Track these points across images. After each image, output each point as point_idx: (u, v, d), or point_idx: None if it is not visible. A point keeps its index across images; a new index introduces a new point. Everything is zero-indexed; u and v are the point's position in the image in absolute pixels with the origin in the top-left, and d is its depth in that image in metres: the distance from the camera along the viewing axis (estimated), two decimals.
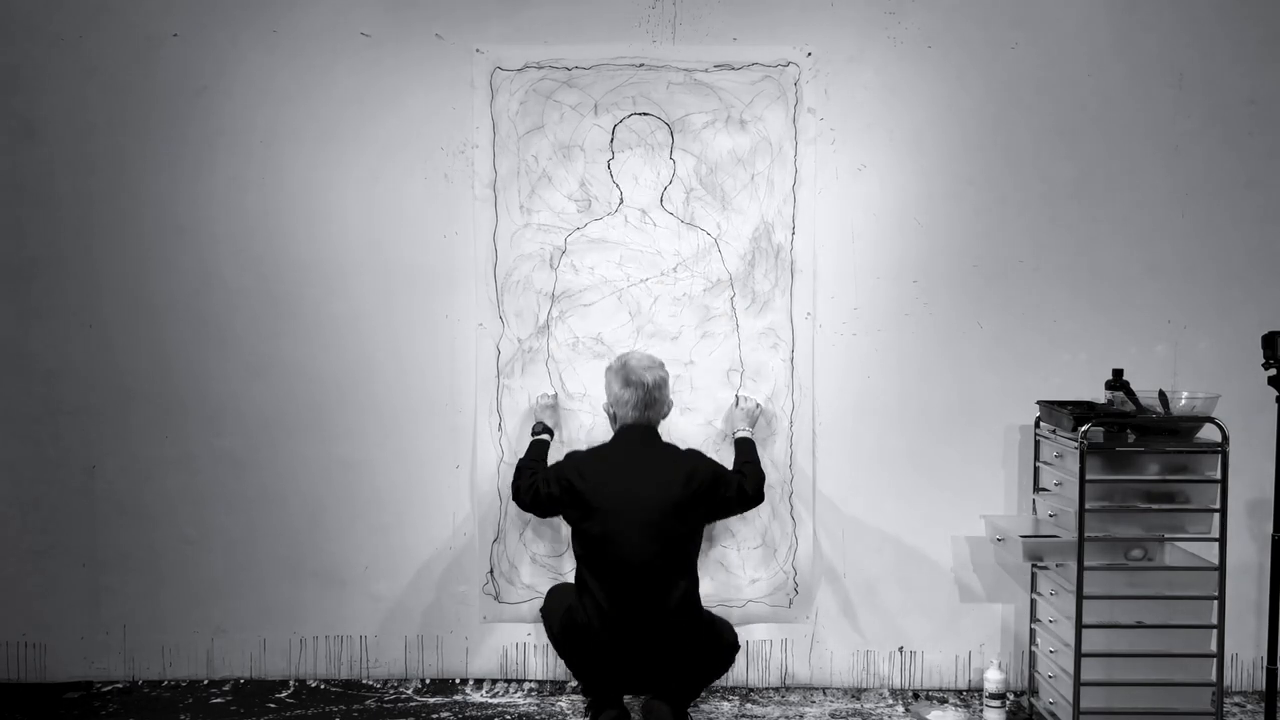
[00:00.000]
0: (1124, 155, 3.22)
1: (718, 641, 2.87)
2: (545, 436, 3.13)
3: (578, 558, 2.87)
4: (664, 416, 2.99)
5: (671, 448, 2.95)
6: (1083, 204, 3.23)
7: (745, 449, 3.08)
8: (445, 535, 3.37)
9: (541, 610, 3.07)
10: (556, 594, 3.03)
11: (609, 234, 3.26)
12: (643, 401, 2.88)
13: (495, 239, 3.27)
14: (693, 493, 2.81)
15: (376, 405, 3.34)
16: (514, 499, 3.01)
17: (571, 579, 3.16)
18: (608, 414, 3.00)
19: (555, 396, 3.26)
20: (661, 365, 2.97)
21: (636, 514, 2.75)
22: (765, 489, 3.02)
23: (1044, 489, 3.13)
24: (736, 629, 3.29)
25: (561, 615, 2.85)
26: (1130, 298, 3.25)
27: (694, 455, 2.95)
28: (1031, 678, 3.22)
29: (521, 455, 3.11)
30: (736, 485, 2.91)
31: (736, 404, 3.23)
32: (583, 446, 3.28)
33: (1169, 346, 3.26)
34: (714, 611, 3.07)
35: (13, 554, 3.39)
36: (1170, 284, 3.25)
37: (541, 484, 2.88)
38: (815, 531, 3.32)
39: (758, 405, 3.23)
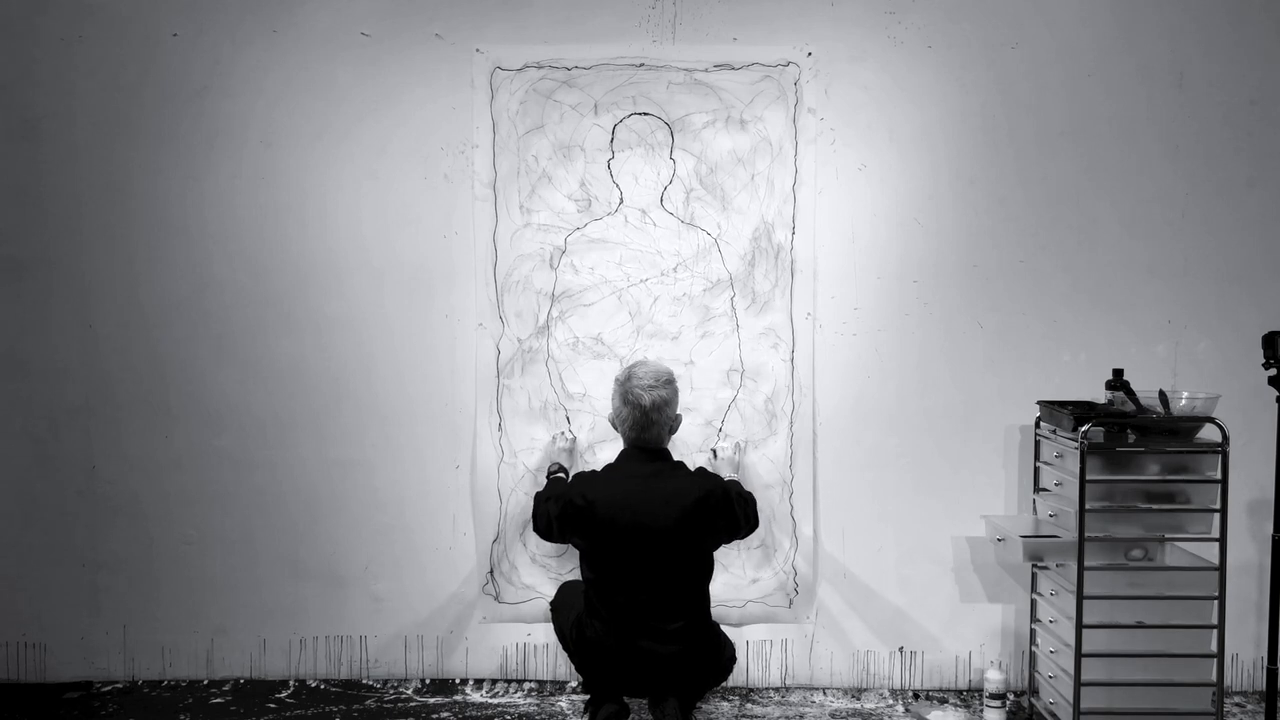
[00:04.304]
0: (1124, 155, 3.22)
1: (719, 655, 2.84)
2: (561, 475, 3.09)
3: (586, 581, 2.79)
4: (671, 434, 2.85)
5: (680, 469, 2.81)
6: (1083, 204, 3.23)
7: (735, 487, 3.01)
8: (445, 535, 3.37)
9: (552, 605, 3.07)
10: (568, 591, 3.02)
11: (609, 234, 3.26)
12: (639, 423, 2.74)
13: (495, 239, 3.27)
14: (705, 517, 2.70)
15: (376, 405, 3.34)
16: (534, 529, 2.95)
17: (575, 576, 3.15)
18: (612, 425, 2.88)
19: (574, 440, 3.24)
20: (669, 382, 2.79)
21: (644, 547, 2.66)
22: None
23: (1044, 489, 3.12)
24: (737, 629, 3.31)
25: (573, 622, 2.81)
26: (1130, 298, 3.25)
27: (705, 476, 2.80)
28: (1032, 678, 3.22)
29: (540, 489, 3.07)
30: (742, 508, 2.84)
31: (715, 455, 3.18)
32: (584, 446, 3.28)
33: (1169, 346, 3.26)
34: (713, 612, 3.06)
35: (13, 554, 3.39)
36: (1170, 284, 3.25)
37: (552, 505, 2.80)
38: (815, 531, 3.31)
39: (737, 446, 3.21)
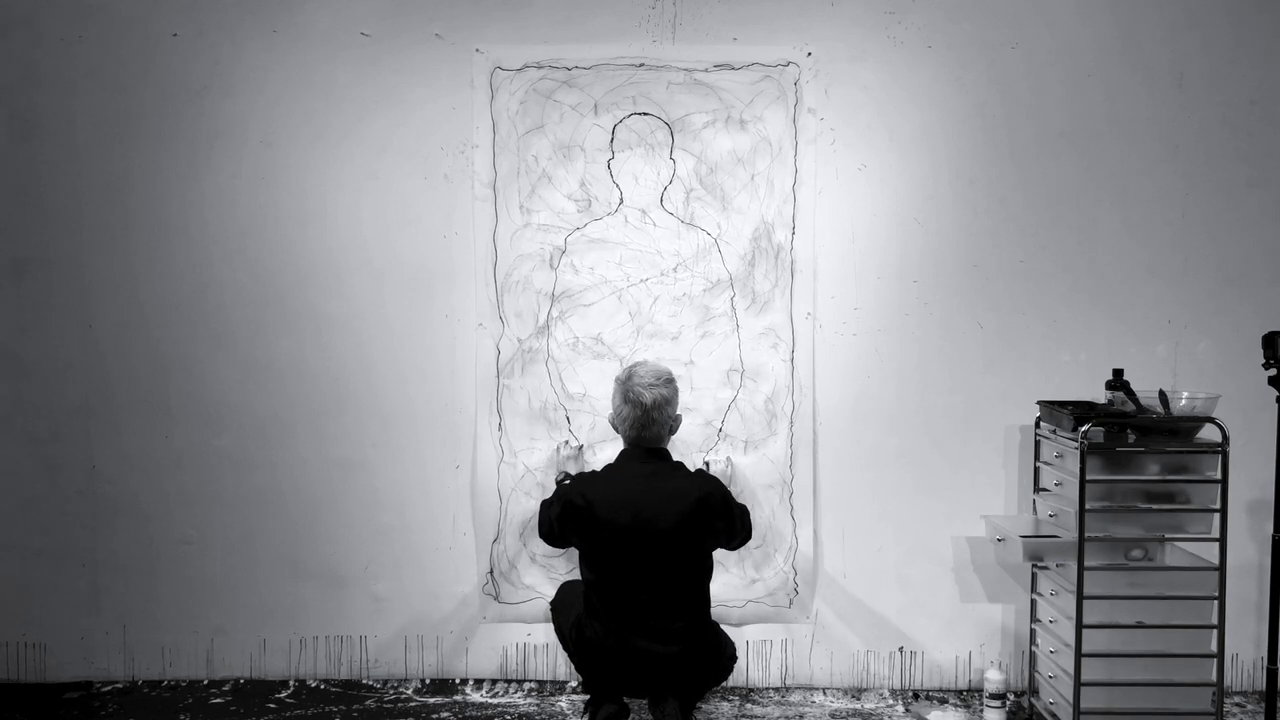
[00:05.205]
0: (1124, 155, 3.22)
1: (719, 655, 2.83)
2: (568, 483, 3.09)
3: (586, 581, 2.79)
4: (671, 434, 2.84)
5: (680, 470, 2.79)
6: (1083, 204, 3.23)
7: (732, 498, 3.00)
8: (445, 535, 3.37)
9: (552, 604, 3.07)
10: (568, 592, 3.01)
11: (609, 234, 3.26)
12: (640, 421, 2.73)
13: (495, 239, 3.27)
14: (705, 517, 2.68)
15: (376, 405, 3.34)
16: (539, 535, 2.95)
17: (575, 576, 3.15)
18: (612, 425, 2.86)
19: (581, 449, 3.24)
20: (669, 381, 2.79)
21: (644, 547, 2.65)
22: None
23: (1044, 489, 3.12)
24: (737, 629, 3.31)
25: (573, 622, 2.80)
26: (1130, 298, 3.25)
27: (705, 478, 2.79)
28: (1032, 678, 3.22)
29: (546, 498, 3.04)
30: (739, 516, 2.83)
31: (707, 468, 3.18)
32: (584, 445, 3.28)
33: (1169, 346, 3.26)
34: (713, 612, 3.05)
35: (13, 554, 3.39)
36: (1170, 284, 3.25)
37: (554, 508, 2.80)
38: (815, 532, 3.31)
39: (729, 461, 3.22)
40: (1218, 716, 2.83)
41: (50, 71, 3.27)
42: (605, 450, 3.23)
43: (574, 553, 3.12)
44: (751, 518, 2.96)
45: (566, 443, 3.26)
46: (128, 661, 3.42)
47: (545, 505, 2.91)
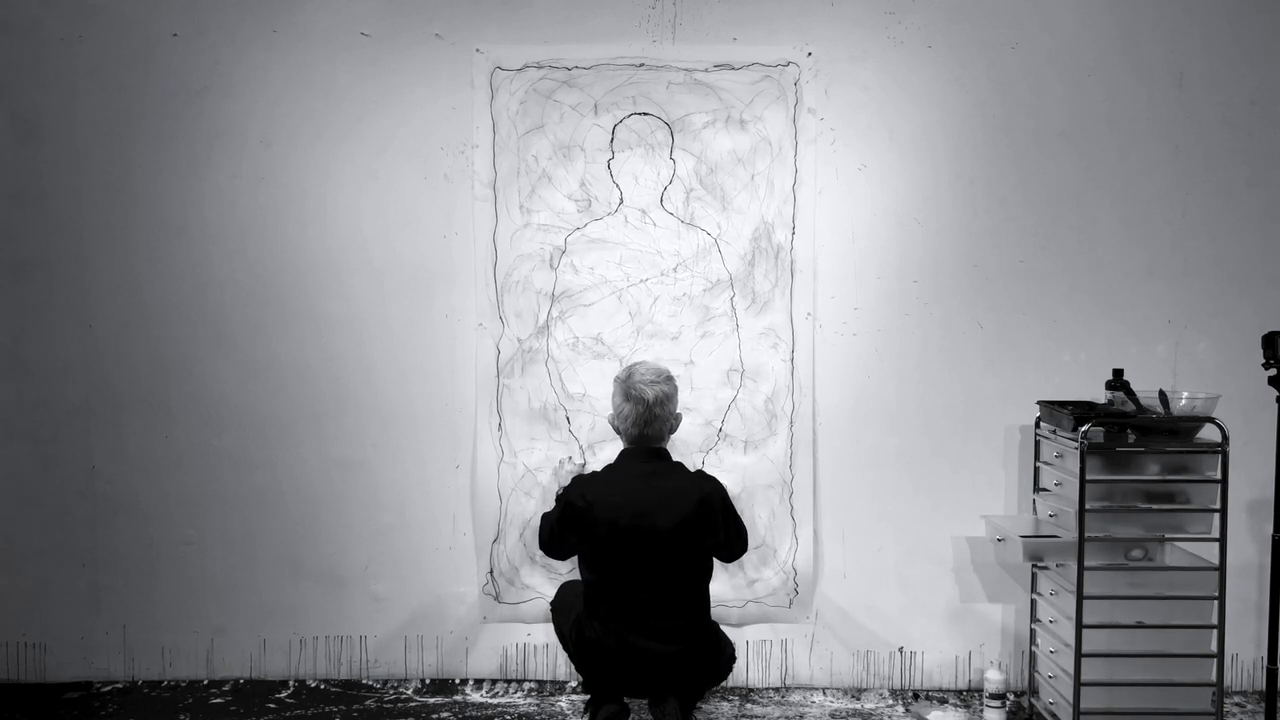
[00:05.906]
0: (1124, 155, 3.22)
1: (719, 655, 2.84)
2: (568, 486, 3.08)
3: (586, 582, 2.79)
4: (671, 432, 2.84)
5: (680, 469, 2.79)
6: (1083, 204, 3.23)
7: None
8: (445, 535, 3.37)
9: (552, 605, 3.06)
10: (568, 592, 3.01)
11: (609, 234, 3.26)
12: (642, 418, 2.74)
13: (495, 239, 3.27)
14: (706, 518, 2.69)
15: (376, 405, 3.34)
16: (539, 545, 2.92)
17: (575, 576, 3.15)
18: (612, 426, 2.87)
19: (584, 466, 3.23)
20: (669, 379, 2.80)
21: (645, 547, 2.65)
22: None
23: (1044, 489, 3.12)
24: (737, 629, 3.31)
25: (573, 622, 2.80)
26: (1130, 298, 3.25)
27: (705, 478, 2.79)
28: (1031, 678, 3.22)
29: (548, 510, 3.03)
30: (736, 520, 2.82)
31: None
32: (583, 446, 3.28)
33: (1169, 346, 3.26)
34: (713, 612, 3.05)
35: (13, 554, 3.39)
36: (1170, 284, 3.25)
37: (553, 511, 2.81)
38: (815, 531, 3.31)
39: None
40: (1218, 716, 2.83)
41: (50, 71, 3.27)
42: (605, 450, 3.23)
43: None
44: (750, 520, 2.96)
45: (570, 458, 3.25)
46: (128, 661, 3.42)
47: (545, 517, 2.91)
